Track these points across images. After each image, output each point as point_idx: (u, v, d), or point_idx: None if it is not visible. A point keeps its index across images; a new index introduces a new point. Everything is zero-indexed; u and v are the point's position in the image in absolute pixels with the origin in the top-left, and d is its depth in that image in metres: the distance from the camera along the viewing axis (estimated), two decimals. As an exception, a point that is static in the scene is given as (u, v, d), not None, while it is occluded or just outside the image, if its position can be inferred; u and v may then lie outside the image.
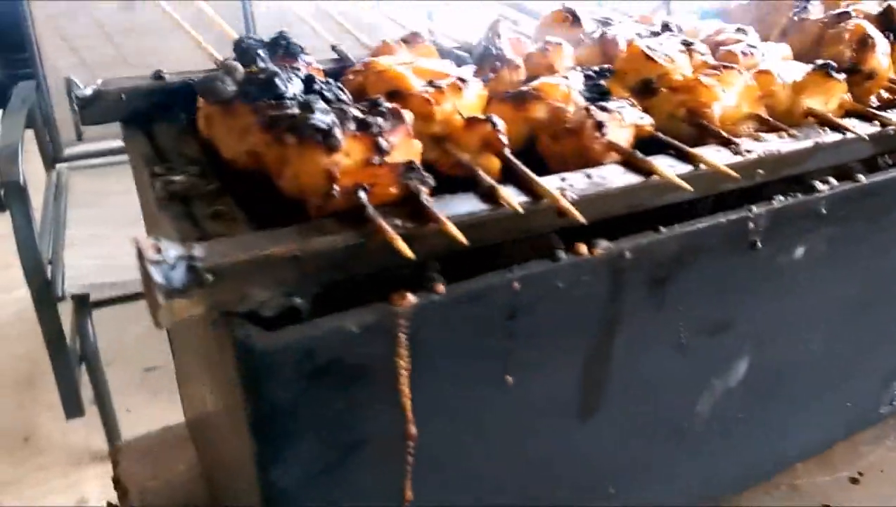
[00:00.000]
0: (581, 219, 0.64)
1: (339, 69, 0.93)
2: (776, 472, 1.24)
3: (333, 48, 0.98)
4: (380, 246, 0.58)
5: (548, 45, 0.93)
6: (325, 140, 0.61)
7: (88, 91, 0.83)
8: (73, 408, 2.74)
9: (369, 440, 0.65)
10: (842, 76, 0.90)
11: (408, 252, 0.56)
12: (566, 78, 0.86)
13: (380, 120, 0.65)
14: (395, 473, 0.69)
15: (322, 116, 0.63)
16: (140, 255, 0.49)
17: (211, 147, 0.76)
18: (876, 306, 1.06)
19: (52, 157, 3.10)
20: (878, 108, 0.96)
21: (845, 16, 1.02)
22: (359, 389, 0.62)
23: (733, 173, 0.74)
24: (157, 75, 0.87)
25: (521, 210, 0.64)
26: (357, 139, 0.63)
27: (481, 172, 0.68)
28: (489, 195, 0.66)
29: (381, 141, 0.64)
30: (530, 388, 0.74)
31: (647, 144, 0.81)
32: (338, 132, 0.62)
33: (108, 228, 2.65)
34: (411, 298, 0.60)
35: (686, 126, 0.86)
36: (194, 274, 0.51)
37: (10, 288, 3.62)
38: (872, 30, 0.98)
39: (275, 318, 0.57)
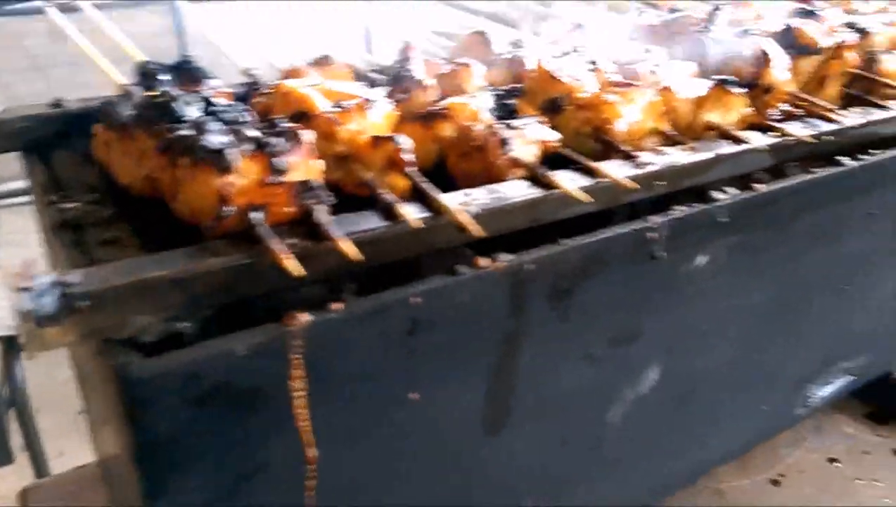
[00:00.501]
0: (479, 232, 0.65)
1: (249, 92, 0.92)
2: (698, 477, 1.26)
3: (244, 71, 0.98)
4: (270, 266, 0.57)
5: (458, 67, 0.95)
6: (218, 161, 0.61)
7: (-15, 117, 0.81)
8: (2, 455, 2.63)
9: (266, 466, 0.64)
10: (741, 91, 0.94)
11: (294, 271, 0.56)
12: (475, 98, 0.88)
13: (277, 140, 0.65)
14: (295, 498, 0.68)
15: (215, 138, 0.62)
16: (8, 283, 0.47)
17: (109, 174, 0.75)
18: (785, 311, 1.10)
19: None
20: (778, 120, 1.01)
21: (747, 34, 1.06)
22: (252, 414, 0.61)
23: (631, 184, 0.76)
24: (56, 103, 0.85)
25: (419, 226, 0.64)
26: (253, 159, 0.63)
27: (382, 190, 0.69)
28: (389, 212, 0.66)
29: (278, 161, 0.64)
30: (437, 403, 0.74)
31: (554, 159, 0.83)
32: (231, 153, 0.62)
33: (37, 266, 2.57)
34: (304, 317, 0.59)
35: (592, 142, 0.88)
36: (66, 301, 0.49)
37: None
38: (771, 46, 1.02)
39: (159, 343, 0.56)
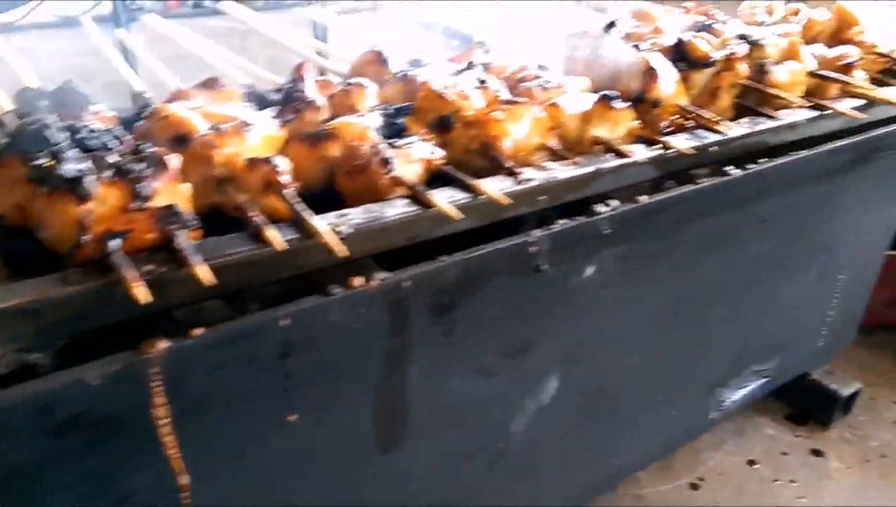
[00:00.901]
0: (344, 253, 0.66)
1: (137, 116, 0.92)
2: (615, 484, 1.29)
3: (135, 95, 0.98)
4: (122, 294, 0.57)
5: (350, 86, 0.96)
6: (74, 189, 0.61)
7: None
8: None
9: (135, 495, 0.64)
10: (625, 105, 0.97)
11: (142, 298, 0.56)
12: (362, 117, 0.89)
13: (141, 166, 0.65)
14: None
15: (72, 165, 0.62)
16: None
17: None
18: (686, 317, 1.13)
19: None
20: (667, 133, 1.04)
21: (636, 49, 1.09)
22: (115, 443, 0.61)
23: (505, 200, 0.78)
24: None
25: (283, 248, 0.65)
26: (113, 186, 0.63)
27: (253, 213, 0.69)
28: (257, 235, 0.67)
29: (141, 187, 0.64)
30: (321, 425, 0.75)
31: (445, 178, 0.84)
32: (89, 181, 0.62)
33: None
34: (161, 344, 0.60)
35: (480, 159, 0.90)
36: None
37: None
38: (658, 61, 1.06)
39: (10, 374, 0.55)
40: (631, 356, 1.08)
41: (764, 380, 1.42)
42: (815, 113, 1.17)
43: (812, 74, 1.24)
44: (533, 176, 0.84)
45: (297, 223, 0.70)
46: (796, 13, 1.49)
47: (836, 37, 1.42)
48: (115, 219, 0.63)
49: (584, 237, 0.88)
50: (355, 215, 0.73)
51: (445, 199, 0.78)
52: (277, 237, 0.66)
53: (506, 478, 1.00)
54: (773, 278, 1.26)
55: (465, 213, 0.79)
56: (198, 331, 0.62)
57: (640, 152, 0.94)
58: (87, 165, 0.63)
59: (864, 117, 1.19)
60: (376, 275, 0.72)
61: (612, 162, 0.91)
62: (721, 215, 1.05)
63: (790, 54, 1.25)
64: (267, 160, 0.74)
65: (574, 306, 0.93)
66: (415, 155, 0.84)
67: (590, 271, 0.92)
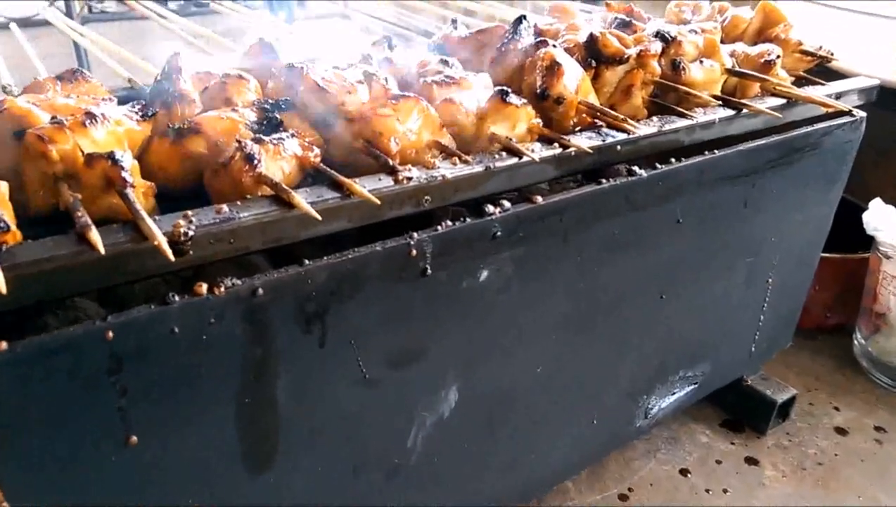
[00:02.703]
0: (170, 257, 0.60)
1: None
2: (532, 496, 1.23)
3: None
4: None
5: (227, 79, 0.90)
6: None
7: None
8: None
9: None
10: (521, 101, 0.92)
11: None
12: (233, 112, 0.83)
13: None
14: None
15: None
16: None
17: None
18: (596, 321, 1.08)
19: None
20: (574, 132, 0.99)
21: (542, 44, 1.05)
22: None
23: (376, 201, 0.73)
24: None
25: (100, 251, 0.58)
26: None
27: (80, 212, 0.63)
28: (82, 237, 0.61)
29: (-58, 185, 0.57)
30: (170, 447, 0.68)
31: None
32: None
33: None
34: (-50, 357, 0.53)
35: (364, 155, 0.85)
36: None
37: None
38: (562, 57, 1.01)
39: None
40: (539, 364, 1.02)
41: (693, 387, 1.38)
42: (732, 112, 1.14)
43: (730, 72, 1.21)
44: (414, 175, 0.79)
45: (135, 225, 0.64)
46: (722, 11, 1.47)
47: (761, 35, 1.39)
48: (-90, 220, 0.56)
49: (473, 239, 0.83)
50: (203, 217, 0.67)
51: (315, 197, 0.72)
52: (98, 241, 0.59)
53: (401, 493, 0.94)
54: (695, 280, 1.22)
55: (339, 213, 0.73)
56: (2, 345, 0.55)
57: (538, 151, 0.89)
58: None
59: (780, 117, 1.16)
60: (225, 281, 0.66)
61: (505, 161, 0.86)
62: (629, 216, 1.00)
63: (708, 52, 1.22)
64: (106, 156, 0.68)
65: (470, 313, 0.88)
66: (287, 151, 0.78)
67: (484, 274, 0.86)
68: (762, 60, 1.25)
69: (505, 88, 0.92)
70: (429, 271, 0.80)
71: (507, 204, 0.85)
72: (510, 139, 0.91)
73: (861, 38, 1.75)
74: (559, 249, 0.94)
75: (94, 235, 0.60)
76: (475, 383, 0.94)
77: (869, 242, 1.69)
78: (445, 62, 1.04)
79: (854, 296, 1.78)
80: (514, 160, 0.87)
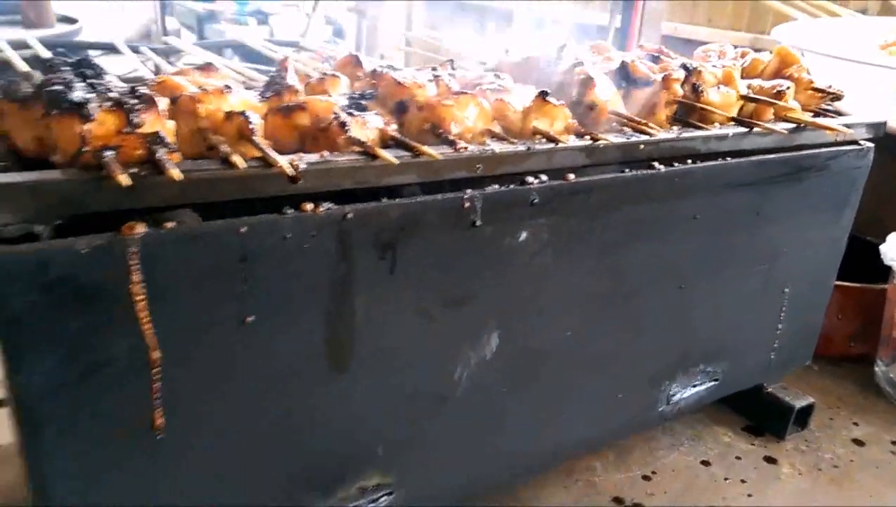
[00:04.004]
0: (291, 172, 0.81)
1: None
2: (557, 459, 1.37)
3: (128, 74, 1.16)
4: (112, 187, 0.72)
5: (324, 76, 1.13)
6: (79, 110, 0.77)
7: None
8: None
9: (115, 362, 0.77)
10: (559, 102, 1.13)
11: (123, 182, 0.71)
12: (330, 97, 1.06)
13: (135, 101, 0.81)
14: (142, 397, 0.80)
15: (78, 94, 0.79)
16: None
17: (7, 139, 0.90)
18: (622, 301, 1.24)
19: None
20: (603, 131, 1.19)
21: (579, 64, 1.26)
22: (98, 310, 0.74)
23: (439, 156, 0.93)
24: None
25: (244, 169, 0.80)
26: (111, 112, 0.79)
27: (223, 145, 0.85)
28: (226, 161, 0.82)
29: (133, 116, 0.80)
30: (275, 333, 0.87)
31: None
32: (92, 106, 0.78)
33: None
34: (140, 228, 0.74)
35: (431, 137, 1.06)
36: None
37: None
38: (595, 73, 1.22)
39: (17, 238, 0.70)
40: (569, 328, 1.19)
41: (714, 383, 1.51)
42: (745, 129, 1.32)
43: (744, 98, 1.40)
44: (470, 147, 0.99)
45: (262, 159, 0.86)
46: (744, 55, 1.67)
47: (777, 75, 1.59)
48: (111, 138, 0.78)
49: (515, 203, 1.02)
50: (309, 158, 0.88)
51: (392, 155, 0.93)
52: (240, 160, 0.81)
53: (450, 425, 1.10)
54: (712, 278, 1.37)
55: (409, 168, 0.94)
56: (170, 224, 0.76)
57: (571, 141, 1.09)
58: (92, 96, 0.80)
59: (786, 133, 1.33)
60: (324, 204, 0.86)
61: (544, 145, 1.06)
62: (649, 206, 1.19)
63: (726, 81, 1.41)
64: (240, 113, 0.91)
65: (510, 269, 1.06)
66: (370, 124, 0.99)
67: (523, 235, 1.05)
68: (775, 91, 1.44)
69: (546, 90, 1.13)
70: (478, 223, 0.99)
71: (544, 177, 1.05)
72: (549, 132, 1.11)
73: (867, 88, 1.92)
74: (587, 226, 1.13)
75: (237, 159, 0.81)
76: (513, 334, 1.11)
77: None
78: (498, 76, 1.26)
79: (878, 327, 1.89)
80: (551, 145, 1.06)
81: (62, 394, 0.75)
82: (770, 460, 1.56)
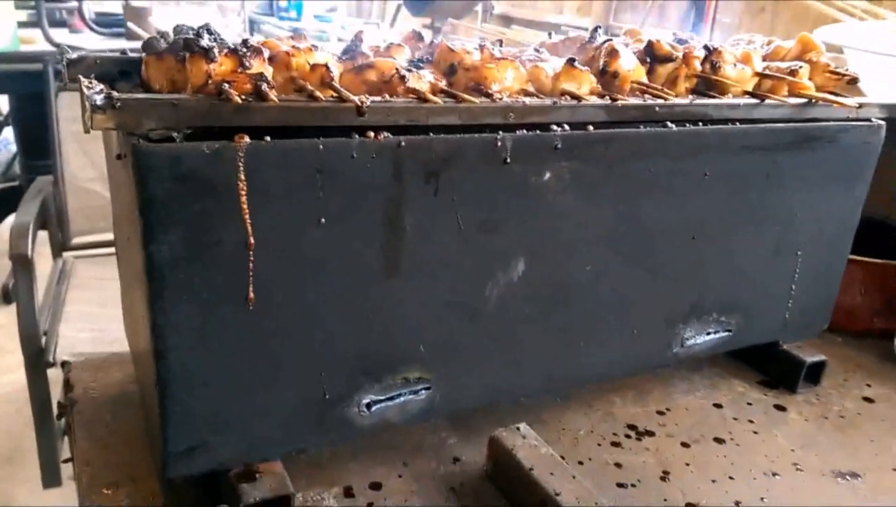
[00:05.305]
0: (359, 103, 1.05)
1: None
2: (582, 384, 1.56)
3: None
4: (229, 108, 0.98)
5: (390, 46, 1.38)
6: (207, 53, 1.04)
7: (74, 55, 1.26)
8: (50, 477, 2.83)
9: (220, 243, 1.02)
10: (585, 68, 1.34)
11: (236, 99, 0.96)
12: (394, 59, 1.30)
13: (246, 50, 1.08)
14: (241, 275, 1.05)
15: (205, 42, 1.05)
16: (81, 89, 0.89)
17: (148, 85, 1.18)
18: (638, 246, 1.44)
19: (59, 246, 3.51)
20: (622, 95, 1.39)
21: (608, 42, 1.47)
22: (212, 198, 1.00)
23: (477, 101, 1.16)
24: (122, 51, 1.31)
25: (324, 102, 1.05)
26: (228, 57, 1.05)
27: (308, 86, 1.10)
28: (312, 97, 1.07)
29: (245, 60, 1.06)
30: (342, 235, 1.12)
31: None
32: (215, 51, 1.04)
33: (104, 308, 2.96)
34: (244, 140, 1.00)
35: (475, 94, 1.29)
36: (108, 100, 0.91)
37: (1, 372, 4.01)
38: (621, 47, 1.43)
39: (160, 140, 0.96)
40: (589, 264, 1.39)
41: (728, 333, 1.68)
42: (757, 101, 1.50)
43: (759, 74, 1.57)
44: (504, 98, 1.22)
45: (338, 98, 1.10)
46: (769, 44, 1.83)
47: (797, 59, 1.74)
48: (228, 75, 1.04)
49: (542, 147, 1.24)
50: (375, 98, 1.12)
51: (440, 100, 1.16)
52: (321, 97, 1.06)
53: (481, 334, 1.32)
54: (724, 233, 1.55)
55: (453, 111, 1.17)
56: (267, 138, 1.01)
57: (593, 100, 1.30)
58: (215, 45, 1.06)
59: (795, 105, 1.50)
60: (383, 133, 1.10)
61: (569, 102, 1.27)
62: (662, 162, 1.38)
63: (744, 61, 1.59)
64: (323, 64, 1.16)
65: (536, 204, 1.28)
66: (425, 78, 1.23)
67: (547, 175, 1.26)
68: (789, 69, 1.60)
69: (574, 57, 1.34)
70: (508, 161, 1.21)
71: (566, 127, 1.26)
72: (575, 93, 1.32)
73: (884, 78, 2.04)
74: (605, 174, 1.33)
75: (319, 95, 1.06)
76: (537, 262, 1.32)
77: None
78: (538, 51, 1.48)
79: (900, 301, 2.01)
80: (575, 102, 1.28)
81: (181, 264, 1.01)
82: (780, 407, 1.71)
